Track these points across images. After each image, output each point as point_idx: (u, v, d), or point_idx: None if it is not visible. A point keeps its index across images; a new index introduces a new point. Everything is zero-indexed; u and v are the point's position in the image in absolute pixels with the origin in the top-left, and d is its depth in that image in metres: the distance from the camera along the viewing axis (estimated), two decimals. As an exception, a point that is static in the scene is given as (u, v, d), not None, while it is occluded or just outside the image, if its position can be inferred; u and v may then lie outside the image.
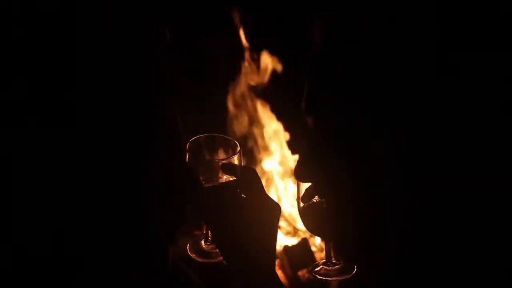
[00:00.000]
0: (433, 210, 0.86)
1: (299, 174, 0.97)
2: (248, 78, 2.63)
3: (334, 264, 1.19)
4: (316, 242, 2.50)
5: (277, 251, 1.18)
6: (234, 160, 1.15)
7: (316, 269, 1.21)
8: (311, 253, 2.48)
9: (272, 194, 2.56)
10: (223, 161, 1.14)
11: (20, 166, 0.85)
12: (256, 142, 2.60)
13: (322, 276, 1.20)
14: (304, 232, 2.52)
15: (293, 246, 2.50)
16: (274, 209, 1.15)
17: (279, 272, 2.40)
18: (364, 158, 0.88)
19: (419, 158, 0.85)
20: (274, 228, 1.15)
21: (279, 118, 2.66)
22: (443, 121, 0.84)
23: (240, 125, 2.62)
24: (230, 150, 1.17)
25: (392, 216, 0.88)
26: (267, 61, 2.62)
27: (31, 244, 0.87)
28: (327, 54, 0.92)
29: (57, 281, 0.88)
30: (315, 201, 1.07)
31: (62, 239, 0.87)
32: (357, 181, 0.90)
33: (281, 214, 1.16)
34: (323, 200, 0.99)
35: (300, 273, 2.44)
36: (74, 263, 0.89)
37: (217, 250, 1.18)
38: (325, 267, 1.20)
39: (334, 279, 1.18)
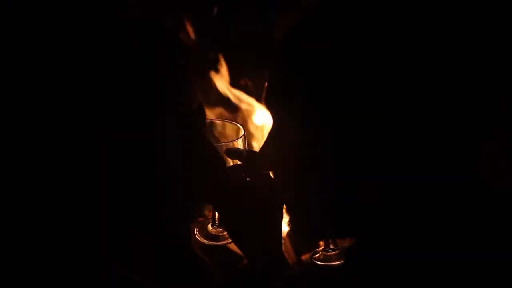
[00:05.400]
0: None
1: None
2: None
3: (333, 250, 1.21)
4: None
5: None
6: (238, 144, 1.17)
7: (316, 256, 1.23)
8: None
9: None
10: (228, 146, 1.16)
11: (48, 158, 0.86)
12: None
13: (323, 262, 1.22)
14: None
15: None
16: (280, 192, 1.17)
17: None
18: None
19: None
20: (280, 210, 1.18)
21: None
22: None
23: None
24: (234, 134, 1.19)
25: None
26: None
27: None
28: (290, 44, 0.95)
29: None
30: None
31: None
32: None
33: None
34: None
35: (303, 257, 2.45)
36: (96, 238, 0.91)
37: (224, 233, 1.21)
38: (325, 253, 1.22)
39: (334, 263, 1.20)
